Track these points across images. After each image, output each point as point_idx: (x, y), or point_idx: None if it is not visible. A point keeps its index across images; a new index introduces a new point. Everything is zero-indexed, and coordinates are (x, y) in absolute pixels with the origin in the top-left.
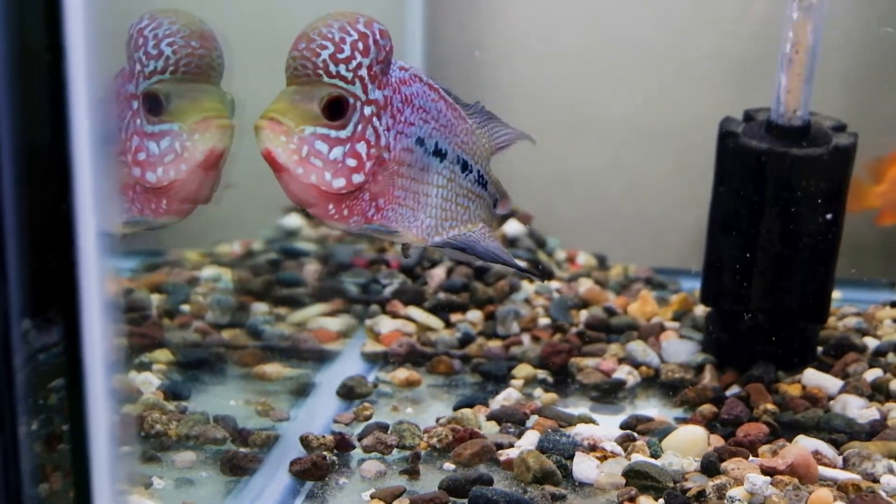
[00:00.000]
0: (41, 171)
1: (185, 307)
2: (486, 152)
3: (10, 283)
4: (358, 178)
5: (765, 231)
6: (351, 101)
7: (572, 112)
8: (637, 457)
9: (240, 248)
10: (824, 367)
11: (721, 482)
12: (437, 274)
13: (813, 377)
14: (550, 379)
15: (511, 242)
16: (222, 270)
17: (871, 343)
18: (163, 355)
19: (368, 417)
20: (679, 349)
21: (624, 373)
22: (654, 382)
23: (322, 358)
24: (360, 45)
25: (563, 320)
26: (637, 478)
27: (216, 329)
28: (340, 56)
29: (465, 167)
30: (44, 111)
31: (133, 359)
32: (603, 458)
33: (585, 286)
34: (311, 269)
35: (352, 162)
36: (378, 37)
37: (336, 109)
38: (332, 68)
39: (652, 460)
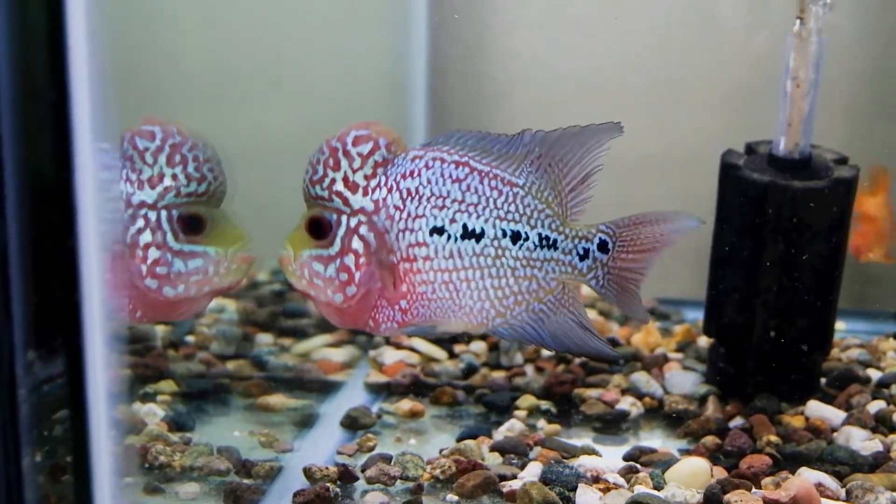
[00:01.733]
0: (45, 203)
1: (190, 338)
2: (554, 199)
3: (14, 314)
4: (351, 291)
5: (767, 263)
6: (331, 217)
7: None
8: (640, 489)
9: (245, 280)
10: (827, 399)
11: None
12: None
13: (816, 409)
14: (554, 410)
15: None
16: (227, 301)
17: (874, 375)
18: (167, 386)
19: (372, 448)
20: (682, 380)
21: (627, 404)
22: (658, 413)
23: (326, 389)
24: (331, 162)
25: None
26: None
27: (220, 360)
28: (315, 177)
29: (516, 238)
30: (48, 146)
31: (137, 390)
32: (606, 490)
33: (589, 317)
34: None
35: (343, 276)
36: (350, 146)
37: (317, 229)
38: (312, 191)
39: (655, 492)
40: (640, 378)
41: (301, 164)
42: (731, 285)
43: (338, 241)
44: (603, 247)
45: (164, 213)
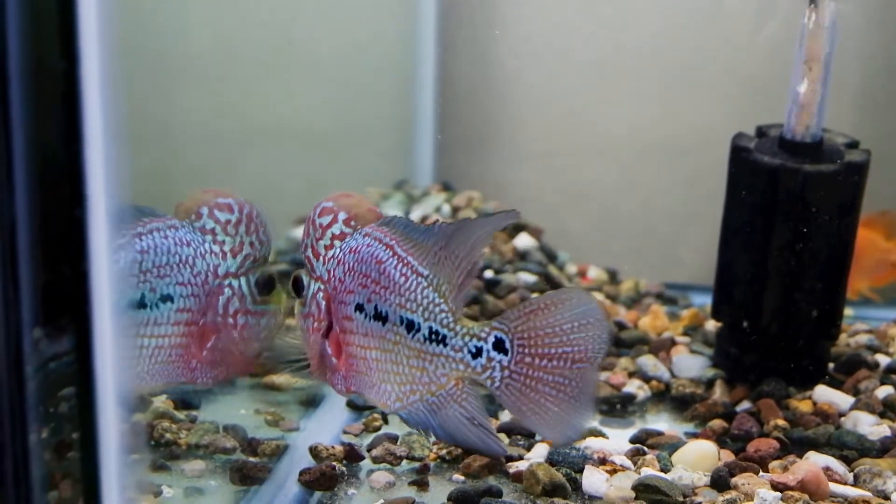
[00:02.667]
0: (54, 177)
1: None
2: (449, 294)
3: (22, 291)
4: (310, 351)
5: (776, 247)
6: (305, 279)
7: (585, 126)
8: (647, 471)
9: None
10: (835, 384)
11: (731, 497)
12: None
13: (824, 393)
14: None
15: (522, 256)
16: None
17: (882, 360)
18: None
19: (378, 428)
20: (690, 364)
21: (634, 387)
22: (665, 397)
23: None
24: (306, 228)
25: None
26: (647, 492)
27: None
28: (301, 243)
29: (410, 327)
30: (57, 118)
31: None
32: (613, 472)
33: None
34: None
35: (304, 334)
36: (316, 216)
37: (295, 286)
38: (299, 253)
39: (662, 474)
40: (648, 361)
41: (306, 145)
42: (740, 269)
43: (308, 300)
44: (499, 345)
45: (243, 280)
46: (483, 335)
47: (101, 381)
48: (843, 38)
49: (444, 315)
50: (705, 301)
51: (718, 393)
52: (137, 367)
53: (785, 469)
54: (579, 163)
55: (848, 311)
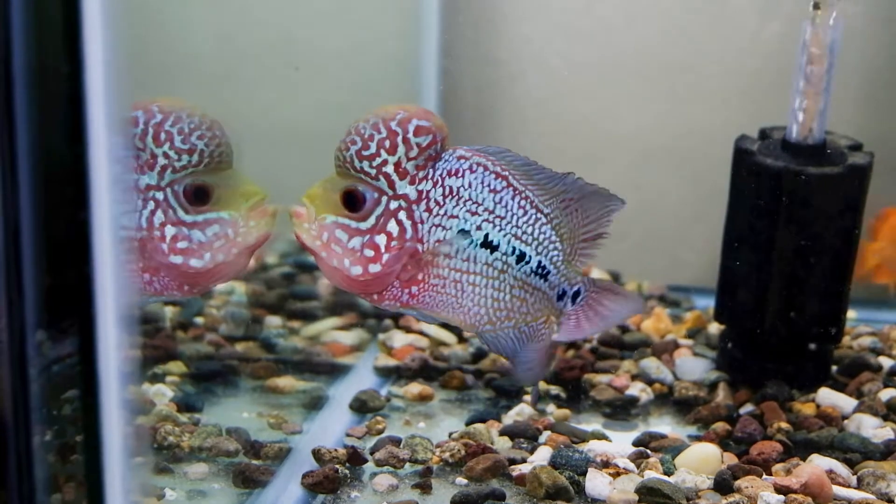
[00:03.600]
0: (58, 180)
1: (199, 319)
2: (567, 239)
3: (26, 294)
4: (375, 268)
5: (779, 249)
6: (369, 194)
7: (587, 127)
8: (650, 474)
9: (253, 261)
10: (839, 387)
11: (734, 500)
12: None
13: (827, 396)
14: (563, 395)
15: None
16: (236, 283)
17: (885, 363)
18: (176, 367)
19: (381, 431)
20: (693, 367)
21: (637, 390)
22: (668, 400)
23: (335, 371)
24: (387, 143)
25: None
26: (650, 495)
27: (229, 342)
28: (365, 153)
29: (520, 258)
30: (61, 121)
31: (146, 370)
32: (616, 475)
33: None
34: (324, 283)
35: (369, 252)
36: (411, 134)
37: (352, 201)
38: (357, 164)
39: (665, 477)
40: (651, 364)
41: (309, 145)
42: (743, 271)
43: (372, 217)
44: (576, 296)
45: (169, 191)
46: (574, 282)
47: (104, 383)
48: (847, 39)
49: (555, 253)
50: (708, 303)
51: (721, 396)
52: None
53: (788, 472)
54: (582, 164)
55: (851, 314)
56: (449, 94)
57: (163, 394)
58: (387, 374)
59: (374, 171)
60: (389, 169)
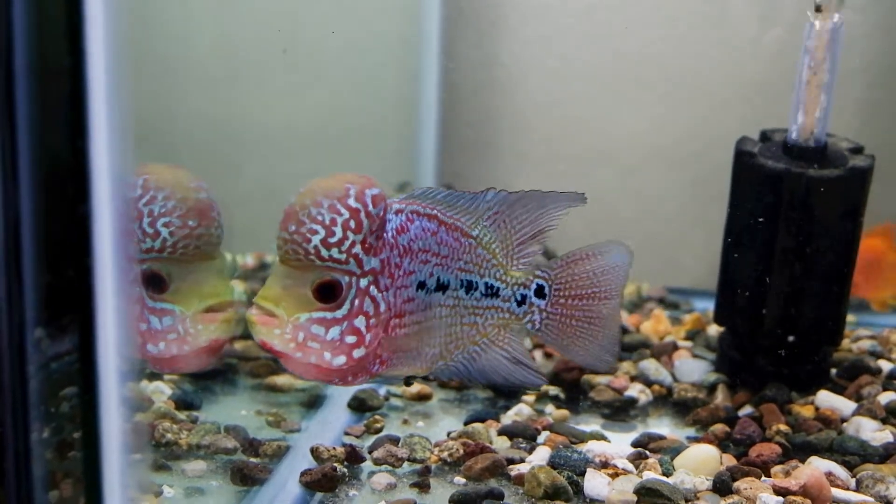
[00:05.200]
0: (58, 176)
1: None
2: (501, 250)
3: (25, 290)
4: (359, 353)
5: (779, 252)
6: (343, 280)
7: (587, 130)
8: (649, 475)
9: (252, 260)
10: (838, 390)
11: (733, 502)
12: None
13: (826, 399)
14: (562, 395)
15: None
16: (235, 282)
17: (885, 366)
18: None
19: (379, 430)
20: (692, 368)
21: (636, 391)
22: (667, 401)
23: None
24: (353, 224)
25: None
26: (649, 495)
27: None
28: (332, 240)
29: (469, 287)
30: (63, 117)
31: (145, 368)
32: (614, 475)
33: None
34: None
35: (351, 339)
36: (371, 207)
37: (328, 292)
38: (325, 253)
39: (664, 478)
40: (649, 365)
41: (310, 148)
42: (743, 274)
43: (347, 303)
44: (539, 292)
45: (137, 269)
46: (528, 283)
47: (103, 380)
48: (847, 43)
49: (495, 269)
50: (707, 306)
51: (720, 397)
52: None
53: (787, 474)
54: (582, 167)
55: (850, 317)
56: (450, 97)
57: (161, 391)
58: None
59: (343, 256)
60: (358, 249)
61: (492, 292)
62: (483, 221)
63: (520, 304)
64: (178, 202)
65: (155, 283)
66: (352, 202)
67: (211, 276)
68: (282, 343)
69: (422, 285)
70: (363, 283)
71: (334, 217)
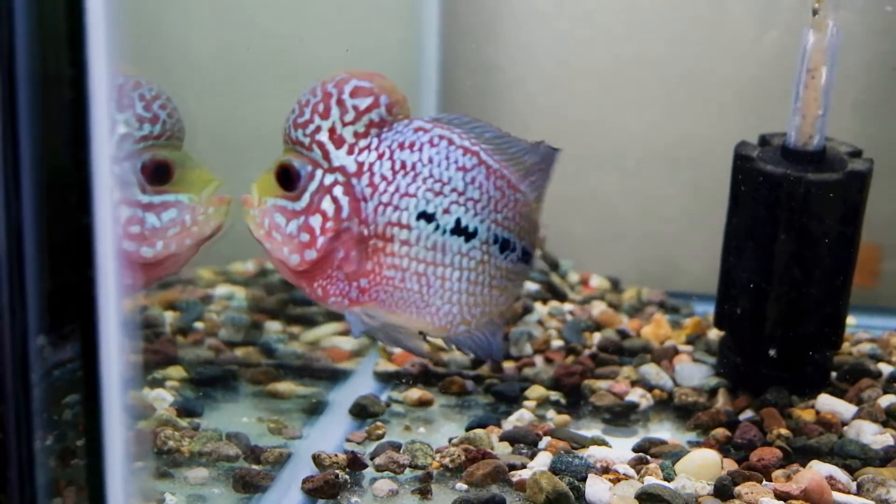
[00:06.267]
0: (61, 185)
1: (199, 325)
2: (536, 215)
3: (28, 298)
4: (310, 255)
5: (779, 255)
6: (303, 169)
7: (587, 134)
8: (650, 479)
9: (253, 266)
10: (838, 393)
11: None
12: None
13: (827, 402)
14: (563, 401)
15: None
16: (236, 288)
17: (885, 369)
18: (176, 372)
19: (381, 437)
20: (692, 373)
21: (637, 395)
22: (668, 406)
23: (335, 377)
24: (321, 107)
25: (576, 342)
26: (650, 500)
27: (229, 347)
28: (299, 120)
29: (504, 246)
30: (64, 126)
31: (146, 375)
32: (616, 481)
33: (599, 309)
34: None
35: (304, 237)
36: (346, 96)
37: (286, 178)
38: (293, 133)
39: (665, 483)
40: (650, 370)
41: None
42: (743, 277)
43: (307, 196)
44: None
45: (125, 166)
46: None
47: (105, 388)
48: (846, 46)
49: (532, 236)
50: (708, 310)
51: (721, 402)
52: None
53: (788, 478)
54: (582, 171)
55: (850, 320)
56: (449, 101)
57: (163, 399)
58: (387, 379)
59: (307, 141)
60: (323, 137)
61: (528, 259)
62: (530, 178)
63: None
64: (159, 87)
65: (160, 173)
66: (329, 87)
67: (201, 164)
68: (254, 227)
69: (426, 217)
70: (327, 179)
71: (309, 99)
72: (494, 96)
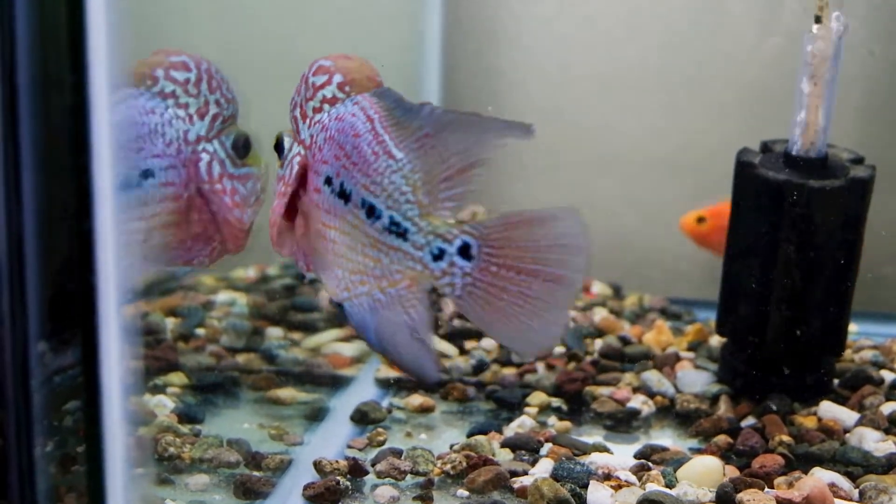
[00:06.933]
0: (61, 190)
1: (200, 331)
2: (423, 186)
3: (29, 304)
4: (274, 217)
5: (781, 262)
6: (287, 140)
7: (588, 139)
8: (652, 486)
9: (255, 272)
10: (840, 400)
11: None
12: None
13: (829, 410)
14: (565, 407)
15: None
16: (237, 295)
17: (887, 376)
18: (177, 378)
19: (382, 443)
20: (694, 379)
21: (639, 402)
22: (669, 412)
23: (336, 383)
24: (298, 86)
25: (577, 349)
26: None
27: (231, 353)
28: (291, 99)
29: (371, 212)
30: (65, 131)
31: (147, 381)
32: (618, 487)
33: (600, 315)
34: (325, 295)
35: (277, 199)
36: (310, 73)
37: (279, 149)
38: (289, 112)
39: (667, 490)
40: (652, 377)
41: None
42: (745, 284)
43: (287, 164)
44: (465, 251)
45: (216, 143)
46: (450, 237)
47: (106, 394)
48: (848, 52)
49: (409, 207)
50: (709, 316)
51: (723, 408)
52: (133, 253)
53: (790, 485)
54: (583, 177)
55: (853, 327)
56: (450, 104)
57: (164, 405)
58: (388, 385)
59: (290, 115)
60: (297, 112)
61: (397, 231)
62: (411, 143)
63: (436, 258)
64: (220, 69)
65: (246, 147)
66: (306, 69)
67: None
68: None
69: (328, 181)
70: (294, 149)
71: (298, 80)
72: (495, 99)
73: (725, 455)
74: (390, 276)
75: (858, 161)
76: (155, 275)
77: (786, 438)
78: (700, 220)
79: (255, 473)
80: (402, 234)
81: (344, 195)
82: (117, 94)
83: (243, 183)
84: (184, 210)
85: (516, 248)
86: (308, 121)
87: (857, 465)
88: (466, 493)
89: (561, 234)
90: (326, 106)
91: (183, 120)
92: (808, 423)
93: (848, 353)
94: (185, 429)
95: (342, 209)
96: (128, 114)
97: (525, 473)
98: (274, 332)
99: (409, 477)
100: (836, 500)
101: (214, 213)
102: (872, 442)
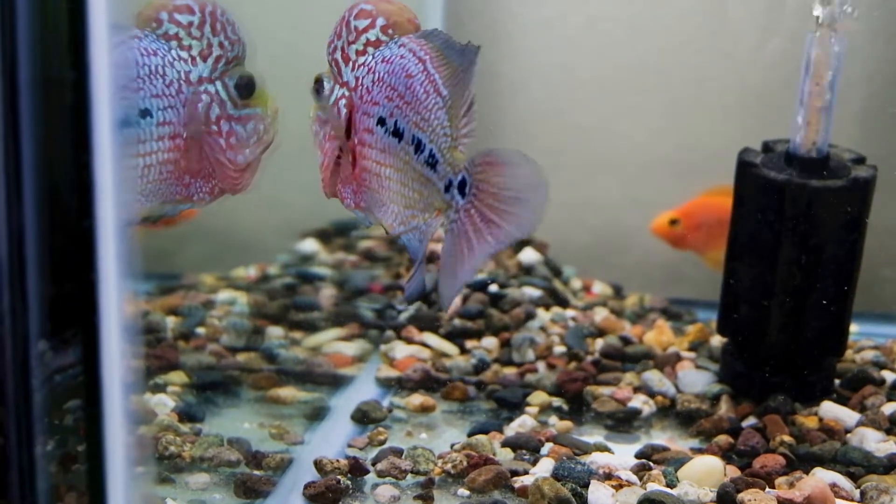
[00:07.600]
0: (62, 189)
1: (201, 330)
2: (453, 119)
3: (29, 303)
4: (322, 160)
5: (783, 262)
6: (327, 83)
7: (590, 140)
8: (653, 486)
9: (255, 272)
10: (841, 400)
11: None
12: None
13: (830, 410)
14: (565, 407)
15: (527, 270)
16: (238, 294)
17: (888, 377)
18: (177, 377)
19: (383, 442)
20: (695, 379)
21: (639, 402)
22: (670, 412)
23: (337, 382)
24: (338, 29)
25: (578, 348)
26: None
27: (231, 352)
28: (329, 42)
29: (417, 147)
30: (66, 129)
31: (148, 380)
32: (618, 487)
33: (601, 315)
34: (326, 294)
35: (324, 143)
36: (351, 17)
37: (317, 89)
38: (326, 55)
39: (668, 490)
40: (653, 376)
41: (311, 158)
42: (746, 284)
43: (332, 106)
44: (462, 186)
45: (219, 84)
46: (457, 170)
47: (106, 393)
48: (849, 53)
49: (444, 140)
50: (710, 316)
51: (724, 408)
52: (130, 189)
53: (791, 485)
54: (584, 177)
55: (854, 327)
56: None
57: (164, 404)
58: (388, 385)
59: (329, 58)
60: (338, 55)
61: (432, 163)
62: (454, 79)
63: (446, 189)
64: (225, 11)
65: (249, 88)
66: (346, 11)
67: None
68: (312, 139)
69: (381, 122)
70: (337, 91)
71: (336, 23)
72: (496, 101)
73: (726, 455)
74: (430, 209)
75: (860, 161)
76: (154, 210)
77: (787, 438)
78: (673, 222)
79: (256, 472)
80: (434, 166)
81: (398, 133)
82: (120, 35)
83: (243, 124)
84: (183, 149)
85: (490, 193)
86: (351, 63)
87: (858, 466)
88: (467, 492)
89: (527, 186)
90: (370, 49)
91: (185, 61)
92: (810, 423)
93: (849, 353)
94: (185, 428)
95: (396, 147)
96: (129, 55)
97: (526, 473)
98: (274, 332)
99: (409, 476)
100: (837, 501)
101: (213, 152)
102: (873, 442)
